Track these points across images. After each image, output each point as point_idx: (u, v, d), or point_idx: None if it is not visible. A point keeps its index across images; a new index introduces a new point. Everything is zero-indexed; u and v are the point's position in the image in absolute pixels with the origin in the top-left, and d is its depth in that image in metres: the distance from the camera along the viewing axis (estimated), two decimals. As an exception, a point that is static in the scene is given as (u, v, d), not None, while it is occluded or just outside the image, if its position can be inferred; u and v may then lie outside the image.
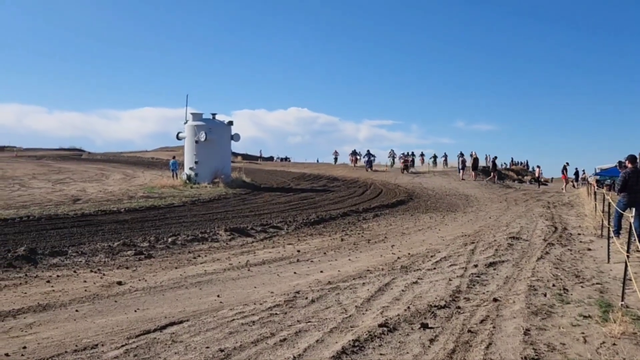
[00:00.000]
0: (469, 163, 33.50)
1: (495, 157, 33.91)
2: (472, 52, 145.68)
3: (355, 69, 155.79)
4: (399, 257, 9.73)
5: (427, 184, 28.80)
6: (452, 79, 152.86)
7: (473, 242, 10.97)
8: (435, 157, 43.14)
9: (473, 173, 32.84)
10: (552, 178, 48.28)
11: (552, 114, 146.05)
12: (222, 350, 4.55)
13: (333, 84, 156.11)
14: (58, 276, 8.18)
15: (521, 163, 55.17)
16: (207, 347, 4.66)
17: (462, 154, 33.95)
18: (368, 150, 39.19)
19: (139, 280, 8.02)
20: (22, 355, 4.70)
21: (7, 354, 4.67)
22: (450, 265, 8.42)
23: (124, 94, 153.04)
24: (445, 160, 42.34)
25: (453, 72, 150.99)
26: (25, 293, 7.13)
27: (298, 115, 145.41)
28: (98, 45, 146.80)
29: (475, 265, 8.25)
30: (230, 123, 26.21)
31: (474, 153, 34.40)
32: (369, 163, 37.73)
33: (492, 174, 32.92)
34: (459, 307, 5.86)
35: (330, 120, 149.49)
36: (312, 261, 9.73)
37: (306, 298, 6.47)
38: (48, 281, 7.82)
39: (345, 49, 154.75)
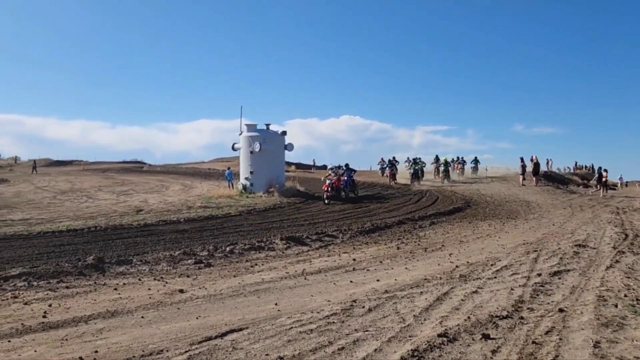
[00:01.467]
0: (529, 168, 32.25)
1: (601, 167, 29.37)
2: (530, 52, 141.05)
3: (407, 74, 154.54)
4: (457, 266, 9.51)
5: (485, 191, 28.03)
6: (509, 81, 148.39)
7: (536, 250, 10.55)
8: (446, 162, 33.68)
9: (534, 178, 31.60)
10: (627, 182, 45.68)
11: (619, 114, 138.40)
12: (281, 358, 4.60)
13: (385, 91, 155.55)
14: (124, 284, 8.56)
15: (586, 167, 52.57)
16: (267, 355, 4.73)
17: (522, 159, 32.67)
18: (346, 164, 25.97)
19: (200, 288, 8.25)
20: (95, 359, 4.95)
21: (81, 357, 4.93)
22: (511, 274, 8.14)
23: (181, 107, 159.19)
24: (476, 165, 36.61)
25: (510, 74, 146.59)
26: (95, 300, 7.51)
27: (350, 123, 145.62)
28: (155, 62, 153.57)
29: (539, 274, 7.94)
30: (284, 133, 26.59)
31: (534, 157, 33.05)
32: (347, 183, 24.90)
33: (597, 185, 30.06)
34: (522, 318, 5.65)
35: (383, 127, 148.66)
36: (368, 270, 9.68)
37: (363, 307, 6.43)
38: (115, 289, 8.20)
39: (397, 55, 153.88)
